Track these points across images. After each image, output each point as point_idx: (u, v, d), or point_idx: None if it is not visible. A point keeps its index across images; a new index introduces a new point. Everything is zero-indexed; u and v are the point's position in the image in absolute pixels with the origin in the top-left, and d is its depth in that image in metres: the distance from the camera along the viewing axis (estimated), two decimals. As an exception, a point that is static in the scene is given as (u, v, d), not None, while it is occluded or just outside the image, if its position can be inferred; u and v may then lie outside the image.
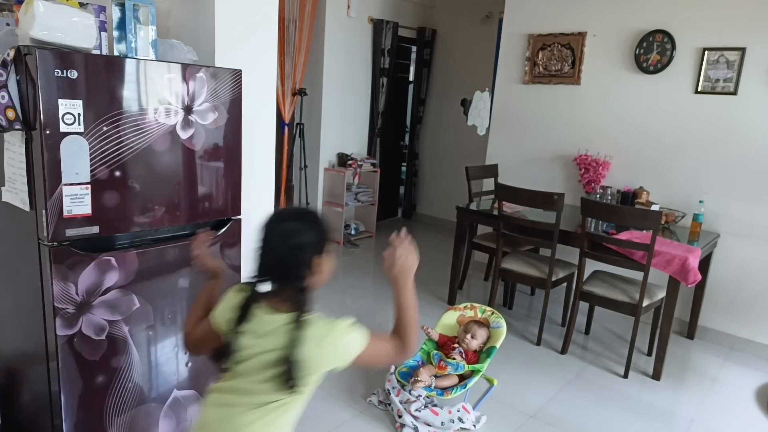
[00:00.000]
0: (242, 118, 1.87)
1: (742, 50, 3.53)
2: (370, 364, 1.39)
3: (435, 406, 2.61)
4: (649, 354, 3.50)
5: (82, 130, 1.47)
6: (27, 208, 1.56)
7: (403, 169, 6.84)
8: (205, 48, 1.88)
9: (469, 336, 2.85)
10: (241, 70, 1.83)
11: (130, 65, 1.56)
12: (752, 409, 2.98)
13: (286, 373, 1.23)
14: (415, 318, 1.41)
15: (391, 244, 1.39)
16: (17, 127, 1.46)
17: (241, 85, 1.84)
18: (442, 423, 2.53)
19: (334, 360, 1.29)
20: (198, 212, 1.82)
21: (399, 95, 6.44)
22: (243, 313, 1.29)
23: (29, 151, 1.50)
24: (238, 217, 1.95)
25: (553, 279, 3.50)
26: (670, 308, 3.14)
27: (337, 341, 1.28)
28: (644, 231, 3.29)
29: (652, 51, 3.89)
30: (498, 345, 2.87)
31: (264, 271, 1.30)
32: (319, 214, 1.39)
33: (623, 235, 3.24)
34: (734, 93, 3.59)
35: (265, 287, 1.31)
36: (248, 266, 2.09)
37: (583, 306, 3.54)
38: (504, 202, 3.67)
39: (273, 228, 1.30)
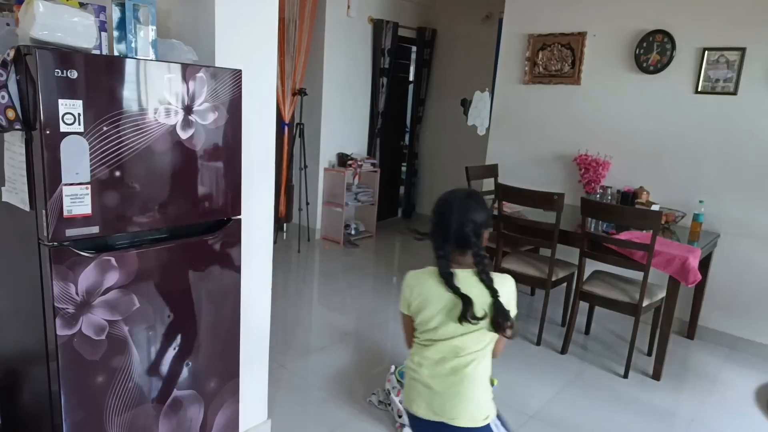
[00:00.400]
0: (242, 118, 1.87)
1: (742, 50, 3.53)
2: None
3: None
4: (649, 354, 3.50)
5: (82, 130, 1.47)
6: (27, 208, 1.56)
7: (403, 169, 6.84)
8: (205, 48, 1.88)
9: None
10: (241, 70, 1.83)
11: (130, 65, 1.56)
12: (752, 409, 2.98)
13: (498, 316, 1.56)
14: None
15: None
16: (17, 127, 1.46)
17: (241, 85, 1.84)
18: None
19: (512, 305, 1.65)
20: (198, 212, 1.82)
21: (399, 95, 6.44)
22: (448, 283, 1.57)
23: (29, 151, 1.50)
24: (238, 217, 1.95)
25: (553, 279, 3.50)
26: (670, 308, 3.14)
27: (514, 291, 1.67)
28: (644, 231, 3.29)
29: (652, 51, 3.89)
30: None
31: (449, 241, 1.61)
32: (480, 194, 1.72)
33: (623, 235, 3.24)
34: (734, 93, 3.59)
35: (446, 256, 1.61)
36: (248, 266, 2.10)
37: (583, 306, 3.54)
38: (504, 202, 3.67)
39: (455, 207, 1.61)
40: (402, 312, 1.72)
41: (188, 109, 1.71)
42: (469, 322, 1.56)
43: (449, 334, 1.61)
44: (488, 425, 1.66)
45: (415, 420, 1.70)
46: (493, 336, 1.64)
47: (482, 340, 1.63)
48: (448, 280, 1.59)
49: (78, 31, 1.49)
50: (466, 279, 1.61)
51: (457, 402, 1.62)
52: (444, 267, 1.61)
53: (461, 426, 1.62)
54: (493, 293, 1.59)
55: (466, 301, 1.56)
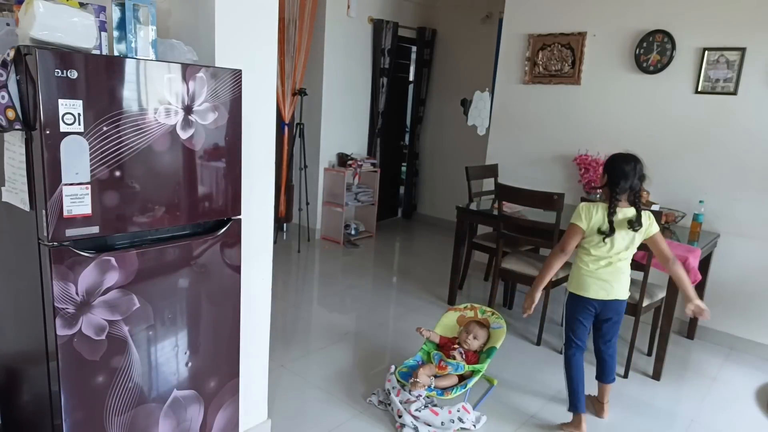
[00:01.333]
0: (242, 118, 1.87)
1: (742, 50, 3.53)
2: (660, 244, 2.51)
3: (435, 406, 2.61)
4: (649, 354, 3.50)
5: (82, 130, 1.47)
6: (27, 208, 1.56)
7: (403, 169, 6.84)
8: (205, 48, 1.88)
9: (471, 336, 2.85)
10: (241, 70, 1.83)
11: (130, 65, 1.56)
12: (752, 409, 2.98)
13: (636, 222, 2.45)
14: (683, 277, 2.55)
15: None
16: (17, 127, 1.46)
17: (241, 85, 1.84)
18: (442, 423, 2.53)
19: (653, 224, 2.49)
20: (198, 212, 1.82)
21: (399, 95, 6.44)
22: (611, 214, 2.46)
23: (29, 151, 1.50)
24: (238, 217, 1.95)
25: (553, 279, 3.50)
26: (670, 308, 3.14)
27: (655, 225, 2.49)
28: (644, 231, 3.29)
29: (652, 51, 3.89)
30: (498, 345, 2.88)
31: (624, 186, 2.45)
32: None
33: (623, 235, 3.24)
34: (734, 93, 3.59)
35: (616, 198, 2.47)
36: (248, 266, 2.09)
37: (583, 306, 3.54)
38: (504, 202, 3.67)
39: (631, 164, 2.45)
40: (577, 225, 2.52)
41: (188, 109, 1.71)
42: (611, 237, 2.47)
43: (608, 247, 2.49)
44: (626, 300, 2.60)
45: (587, 301, 2.56)
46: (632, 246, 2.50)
47: (628, 248, 2.51)
48: (612, 213, 2.46)
49: (78, 31, 1.49)
50: (626, 212, 2.47)
51: (617, 285, 2.54)
52: (614, 206, 2.47)
53: (620, 299, 2.57)
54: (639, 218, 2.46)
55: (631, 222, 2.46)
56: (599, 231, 2.47)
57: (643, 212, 2.46)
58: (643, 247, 3.08)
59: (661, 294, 3.30)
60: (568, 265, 3.69)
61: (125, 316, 1.68)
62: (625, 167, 2.44)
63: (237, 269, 1.98)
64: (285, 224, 5.70)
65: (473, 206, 4.13)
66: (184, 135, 1.71)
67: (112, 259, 1.61)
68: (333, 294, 4.26)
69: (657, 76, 3.90)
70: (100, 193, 1.55)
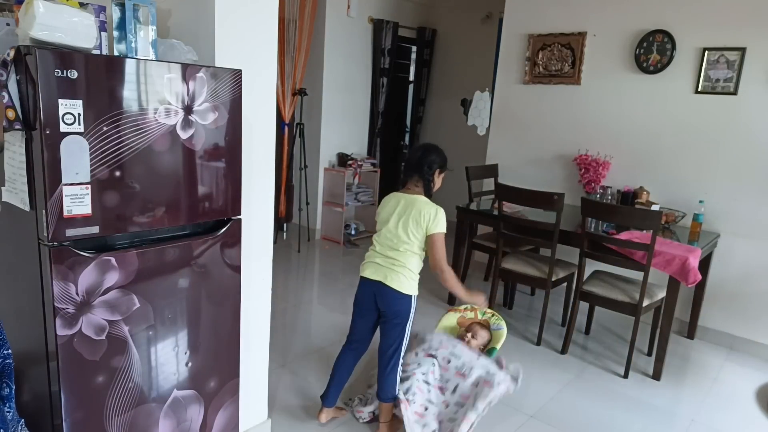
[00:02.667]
0: (242, 118, 1.87)
1: (742, 50, 3.53)
2: (432, 248, 2.36)
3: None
4: (649, 354, 3.50)
5: (82, 130, 1.47)
6: (27, 208, 1.56)
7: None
8: (205, 48, 1.88)
9: (469, 335, 2.85)
10: (241, 70, 1.83)
11: (130, 65, 1.56)
12: (752, 409, 2.98)
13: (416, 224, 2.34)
14: (455, 285, 2.49)
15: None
16: (17, 127, 1.46)
17: (241, 85, 1.83)
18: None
19: (431, 224, 2.33)
20: (198, 212, 1.82)
21: (399, 95, 6.44)
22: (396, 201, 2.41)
23: (29, 151, 1.50)
24: (238, 217, 1.95)
25: (553, 279, 3.50)
26: (670, 308, 3.14)
27: (435, 211, 2.34)
28: (644, 231, 3.29)
29: (652, 51, 3.89)
30: (498, 346, 2.87)
31: (408, 172, 2.42)
32: (442, 151, 2.46)
33: (623, 235, 3.24)
34: (734, 93, 3.59)
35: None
36: (248, 266, 2.10)
37: (583, 306, 3.54)
38: (504, 202, 3.67)
39: (418, 150, 2.45)
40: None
41: (188, 109, 1.71)
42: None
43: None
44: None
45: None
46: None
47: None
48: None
49: (78, 31, 1.49)
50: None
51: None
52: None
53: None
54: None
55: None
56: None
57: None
58: (642, 246, 3.07)
59: (661, 294, 3.30)
60: (568, 265, 3.70)
61: (125, 316, 1.67)
62: (410, 155, 2.44)
63: (237, 269, 1.98)
64: (285, 224, 5.70)
65: (473, 206, 4.13)
66: (184, 135, 1.71)
67: (112, 259, 1.61)
68: (333, 294, 4.26)
69: (657, 76, 3.90)
70: (100, 193, 1.55)
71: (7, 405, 1.55)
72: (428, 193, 2.42)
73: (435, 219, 2.33)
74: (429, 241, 2.35)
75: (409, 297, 2.40)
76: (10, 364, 1.57)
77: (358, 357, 2.60)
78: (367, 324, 2.53)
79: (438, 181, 2.45)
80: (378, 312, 2.46)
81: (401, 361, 2.46)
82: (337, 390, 2.55)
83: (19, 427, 1.61)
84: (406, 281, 2.37)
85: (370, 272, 2.44)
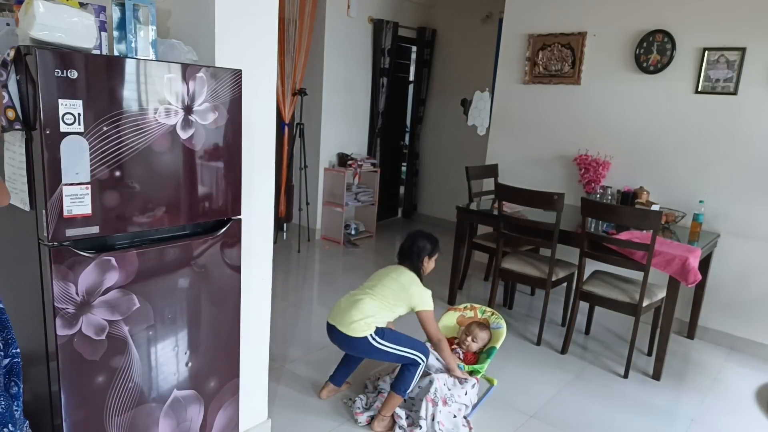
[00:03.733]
0: (242, 118, 1.87)
1: (742, 50, 3.53)
2: (425, 325, 2.56)
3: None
4: (649, 354, 3.50)
5: (82, 130, 1.47)
6: (27, 208, 1.56)
7: (403, 169, 6.84)
8: (205, 48, 1.88)
9: (470, 339, 2.85)
10: (241, 70, 1.83)
11: (130, 65, 1.56)
12: (752, 409, 2.98)
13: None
14: (447, 356, 2.65)
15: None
16: (17, 127, 1.46)
17: (241, 85, 1.83)
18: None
19: (417, 300, 2.54)
20: (198, 212, 1.82)
21: (399, 95, 6.44)
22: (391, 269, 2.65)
23: (29, 151, 1.50)
24: (238, 217, 1.95)
25: (553, 279, 3.50)
26: (670, 308, 3.14)
27: (420, 292, 2.55)
28: (644, 231, 3.29)
29: (652, 51, 3.89)
30: (498, 345, 2.87)
31: (401, 258, 2.68)
32: (435, 237, 2.73)
33: (623, 235, 3.25)
34: (734, 93, 3.59)
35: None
36: (248, 266, 2.10)
37: (583, 306, 3.54)
38: (504, 202, 3.67)
39: (408, 238, 2.70)
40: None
41: (188, 109, 1.71)
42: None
43: None
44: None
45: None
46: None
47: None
48: None
49: (78, 31, 1.49)
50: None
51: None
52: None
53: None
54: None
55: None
56: None
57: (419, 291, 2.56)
58: (642, 246, 3.08)
59: (661, 294, 3.30)
60: (568, 265, 3.70)
61: (125, 316, 1.68)
62: (402, 243, 2.71)
63: (237, 269, 1.98)
64: (285, 224, 5.70)
65: (473, 206, 4.13)
66: (184, 135, 1.71)
67: (112, 259, 1.61)
68: (333, 294, 4.26)
69: (657, 76, 3.90)
70: (100, 193, 1.55)
71: (16, 403, 1.55)
72: (418, 275, 2.64)
73: (421, 298, 2.54)
74: (420, 318, 2.56)
75: (364, 338, 2.45)
76: (18, 362, 1.57)
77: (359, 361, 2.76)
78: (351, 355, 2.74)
79: (428, 265, 2.69)
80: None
81: (420, 361, 2.52)
82: (344, 373, 2.75)
83: (25, 428, 1.61)
84: (361, 322, 2.44)
85: (331, 316, 2.57)
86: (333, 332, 2.53)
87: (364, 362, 2.87)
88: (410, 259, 2.64)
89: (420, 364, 2.51)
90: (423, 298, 2.55)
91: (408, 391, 2.53)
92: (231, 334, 2.02)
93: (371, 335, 2.45)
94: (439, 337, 2.58)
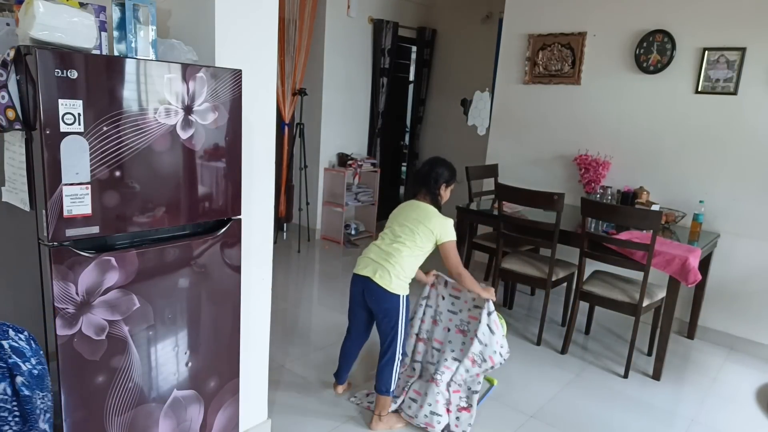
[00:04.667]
0: (242, 118, 1.87)
1: (742, 50, 3.53)
2: (446, 256, 2.52)
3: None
4: (649, 354, 3.50)
5: (82, 130, 1.47)
6: (27, 208, 1.56)
7: (403, 169, 6.84)
8: (205, 48, 1.88)
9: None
10: (241, 70, 1.83)
11: (130, 65, 1.56)
12: (752, 409, 2.98)
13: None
14: (472, 286, 2.56)
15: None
16: (17, 127, 1.46)
17: (241, 85, 1.83)
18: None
19: (440, 231, 2.48)
20: (198, 212, 1.82)
21: (399, 95, 6.44)
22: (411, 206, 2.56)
23: (29, 151, 1.50)
24: (238, 217, 1.95)
25: (553, 279, 3.50)
26: (670, 308, 3.14)
27: (443, 222, 2.50)
28: (644, 231, 3.29)
29: (652, 51, 3.89)
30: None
31: (416, 185, 2.59)
32: (453, 166, 2.69)
33: (623, 235, 3.24)
34: (734, 93, 3.59)
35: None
36: (248, 266, 2.10)
37: (583, 306, 3.55)
38: (504, 202, 3.67)
39: (426, 163, 2.62)
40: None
41: (188, 109, 1.71)
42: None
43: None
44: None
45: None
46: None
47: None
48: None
49: (78, 31, 1.49)
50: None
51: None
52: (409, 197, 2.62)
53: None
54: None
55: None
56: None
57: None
58: (642, 246, 3.08)
59: (661, 294, 3.30)
60: (568, 265, 3.70)
61: (125, 316, 1.68)
62: (419, 168, 2.63)
63: (237, 269, 1.98)
64: (285, 224, 5.70)
65: (473, 206, 4.13)
66: (184, 135, 1.71)
67: (112, 259, 1.61)
68: (333, 294, 4.27)
69: (657, 76, 3.90)
70: (100, 193, 1.55)
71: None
72: (437, 206, 2.54)
73: (444, 229, 2.47)
74: (442, 250, 2.49)
75: (397, 297, 2.45)
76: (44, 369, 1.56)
77: (360, 345, 2.74)
78: (361, 319, 2.65)
79: (445, 194, 2.60)
80: (369, 309, 2.55)
81: (398, 356, 2.51)
82: (346, 370, 2.76)
83: None
84: (395, 280, 2.43)
85: (360, 267, 2.52)
86: (365, 284, 2.46)
87: (364, 359, 2.87)
88: (427, 185, 2.54)
89: (396, 360, 2.50)
90: (446, 229, 2.47)
91: (392, 390, 2.53)
92: (231, 334, 2.02)
93: (405, 296, 2.46)
94: (460, 272, 2.51)
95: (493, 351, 2.54)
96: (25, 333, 1.52)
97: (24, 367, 1.47)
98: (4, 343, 1.48)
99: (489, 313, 2.55)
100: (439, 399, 2.53)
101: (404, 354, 2.75)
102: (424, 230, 2.46)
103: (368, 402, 2.72)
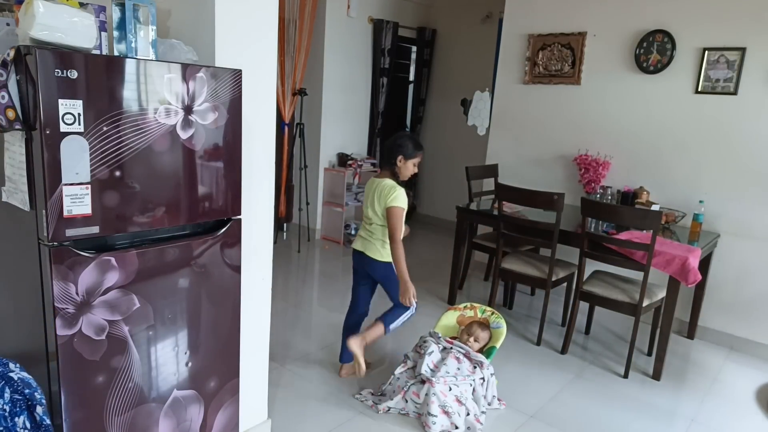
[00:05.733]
0: (242, 118, 1.87)
1: (742, 50, 3.53)
2: (388, 220, 2.64)
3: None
4: (649, 354, 3.50)
5: (82, 130, 1.47)
6: (27, 208, 1.56)
7: (403, 169, 6.83)
8: (205, 48, 1.88)
9: (472, 339, 2.85)
10: (241, 70, 1.83)
11: (130, 65, 1.56)
12: (752, 409, 2.98)
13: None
14: (398, 257, 2.67)
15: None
16: (17, 127, 1.46)
17: (241, 85, 1.83)
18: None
19: (389, 200, 2.62)
20: (198, 212, 1.82)
21: (399, 95, 6.44)
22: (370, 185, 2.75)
23: (29, 151, 1.50)
24: (238, 217, 1.95)
25: (553, 279, 3.50)
26: (670, 308, 3.14)
27: (390, 188, 2.65)
28: (644, 231, 3.29)
29: (652, 51, 3.89)
30: (498, 345, 2.88)
31: (381, 159, 2.84)
32: (415, 137, 2.81)
33: (623, 235, 3.25)
34: (734, 93, 3.59)
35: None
36: (248, 266, 2.10)
37: (583, 306, 3.54)
38: (504, 202, 3.67)
39: (390, 138, 2.75)
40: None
41: (188, 109, 1.71)
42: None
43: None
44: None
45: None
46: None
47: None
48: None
49: (78, 31, 1.49)
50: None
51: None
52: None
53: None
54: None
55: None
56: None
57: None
58: (642, 246, 3.08)
59: (661, 294, 3.30)
60: (568, 265, 3.70)
61: (125, 316, 1.68)
62: (385, 143, 2.80)
63: (237, 269, 1.98)
64: (285, 224, 5.70)
65: (473, 206, 4.13)
66: (184, 135, 1.71)
67: (112, 259, 1.61)
68: (333, 294, 4.27)
69: (657, 76, 3.90)
70: (100, 193, 1.55)
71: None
72: (395, 179, 2.70)
73: (392, 195, 2.63)
74: (387, 214, 2.64)
75: (388, 264, 2.74)
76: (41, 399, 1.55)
77: (361, 320, 2.98)
78: (364, 289, 2.92)
79: (405, 167, 2.71)
80: (371, 278, 2.85)
81: (412, 310, 2.77)
82: (348, 347, 2.84)
83: None
84: (382, 250, 2.74)
85: (356, 244, 2.85)
86: (361, 257, 2.80)
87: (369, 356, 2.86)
88: (387, 158, 2.72)
89: (409, 308, 2.74)
90: (391, 196, 2.62)
91: (392, 327, 2.76)
92: (231, 334, 2.02)
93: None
94: (395, 237, 2.62)
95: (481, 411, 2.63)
96: (18, 364, 1.53)
97: (38, 396, 1.48)
98: (13, 375, 1.48)
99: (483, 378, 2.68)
100: (434, 400, 2.53)
101: (405, 356, 2.78)
102: (379, 205, 2.68)
103: (372, 400, 2.72)
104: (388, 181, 2.68)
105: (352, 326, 2.96)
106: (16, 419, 1.47)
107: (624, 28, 4.02)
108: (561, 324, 3.90)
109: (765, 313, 3.59)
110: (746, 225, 3.61)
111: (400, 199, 2.63)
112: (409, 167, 2.72)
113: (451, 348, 2.76)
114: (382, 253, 2.73)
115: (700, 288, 3.69)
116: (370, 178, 2.81)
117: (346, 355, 2.91)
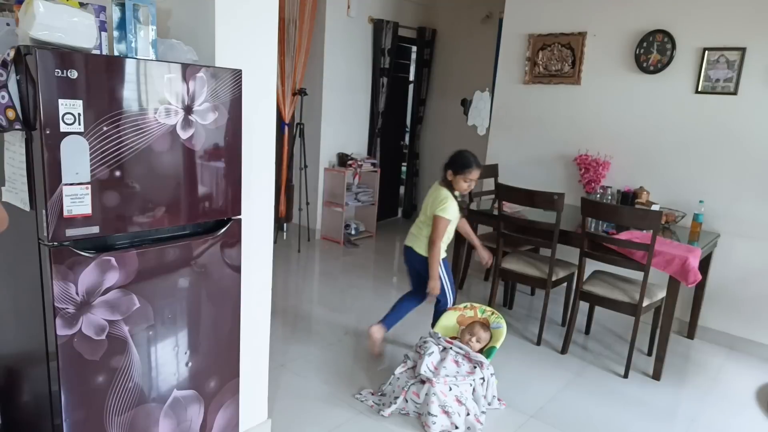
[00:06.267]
0: (242, 118, 1.87)
1: (742, 50, 3.53)
2: (431, 226, 2.93)
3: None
4: (649, 354, 3.50)
5: (82, 130, 1.47)
6: (27, 208, 1.56)
7: (403, 169, 6.84)
8: (205, 48, 1.88)
9: (474, 339, 2.85)
10: (241, 70, 1.83)
11: (130, 65, 1.56)
12: (752, 409, 2.98)
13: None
14: (433, 257, 2.95)
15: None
16: (17, 127, 1.46)
17: (241, 85, 1.83)
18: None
19: (436, 208, 2.89)
20: (198, 212, 1.82)
21: (399, 95, 6.44)
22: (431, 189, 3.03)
23: (29, 151, 1.50)
24: (238, 217, 1.95)
25: (553, 279, 3.50)
26: (670, 308, 3.14)
27: (439, 198, 2.90)
28: (644, 231, 3.29)
29: (652, 51, 3.89)
30: (498, 345, 2.88)
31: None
32: (469, 155, 2.93)
33: (623, 235, 3.24)
34: (734, 93, 3.59)
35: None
36: (248, 266, 2.09)
37: (583, 306, 3.54)
38: (504, 202, 3.67)
39: (457, 151, 2.99)
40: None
41: (188, 109, 1.71)
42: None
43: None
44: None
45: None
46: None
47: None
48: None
49: (78, 31, 1.49)
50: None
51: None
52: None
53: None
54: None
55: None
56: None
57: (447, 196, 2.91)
58: (642, 246, 3.08)
59: (661, 294, 3.30)
60: (568, 265, 3.70)
61: (125, 316, 1.68)
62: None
63: (237, 269, 1.98)
64: (285, 224, 5.70)
65: (473, 206, 4.13)
66: (184, 135, 1.71)
67: (112, 259, 1.61)
68: (333, 294, 4.27)
69: (657, 76, 3.90)
70: (100, 193, 1.55)
71: None
72: (451, 189, 2.93)
73: (442, 205, 2.86)
74: (433, 220, 2.89)
75: (425, 258, 2.97)
76: None
77: (414, 303, 3.17)
78: (414, 281, 3.18)
79: (456, 182, 2.90)
80: (418, 275, 3.08)
81: (449, 300, 3.08)
82: (393, 319, 3.13)
83: None
84: (423, 245, 2.98)
85: (406, 240, 3.11)
86: (406, 251, 3.08)
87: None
88: (443, 169, 2.96)
89: (443, 302, 3.06)
90: (437, 204, 2.88)
91: (450, 302, 3.09)
92: (231, 334, 2.02)
93: (441, 259, 2.98)
94: (434, 240, 2.88)
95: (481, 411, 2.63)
96: None
97: None
98: None
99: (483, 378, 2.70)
100: (434, 400, 2.53)
101: (405, 356, 2.78)
102: (430, 208, 2.92)
103: (373, 401, 2.72)
104: (445, 192, 2.90)
105: (405, 305, 3.16)
106: None
107: (624, 28, 4.02)
108: (561, 324, 3.90)
109: (765, 313, 3.59)
110: (746, 225, 3.61)
111: (449, 211, 2.86)
112: (460, 182, 2.90)
113: (451, 348, 2.76)
114: (422, 247, 2.99)
115: (700, 288, 3.69)
116: (435, 182, 3.04)
117: (388, 321, 3.13)
